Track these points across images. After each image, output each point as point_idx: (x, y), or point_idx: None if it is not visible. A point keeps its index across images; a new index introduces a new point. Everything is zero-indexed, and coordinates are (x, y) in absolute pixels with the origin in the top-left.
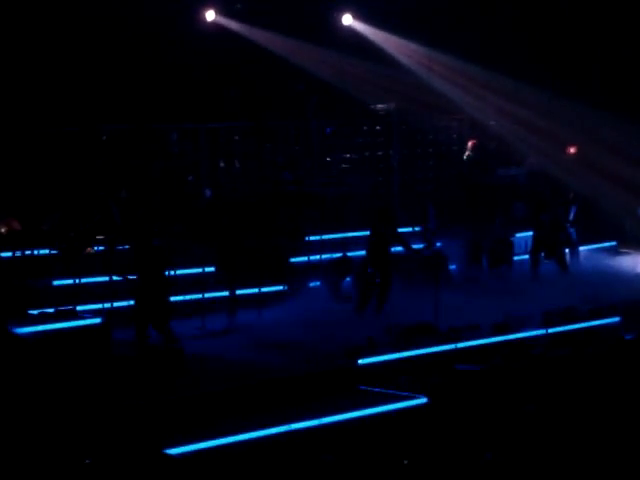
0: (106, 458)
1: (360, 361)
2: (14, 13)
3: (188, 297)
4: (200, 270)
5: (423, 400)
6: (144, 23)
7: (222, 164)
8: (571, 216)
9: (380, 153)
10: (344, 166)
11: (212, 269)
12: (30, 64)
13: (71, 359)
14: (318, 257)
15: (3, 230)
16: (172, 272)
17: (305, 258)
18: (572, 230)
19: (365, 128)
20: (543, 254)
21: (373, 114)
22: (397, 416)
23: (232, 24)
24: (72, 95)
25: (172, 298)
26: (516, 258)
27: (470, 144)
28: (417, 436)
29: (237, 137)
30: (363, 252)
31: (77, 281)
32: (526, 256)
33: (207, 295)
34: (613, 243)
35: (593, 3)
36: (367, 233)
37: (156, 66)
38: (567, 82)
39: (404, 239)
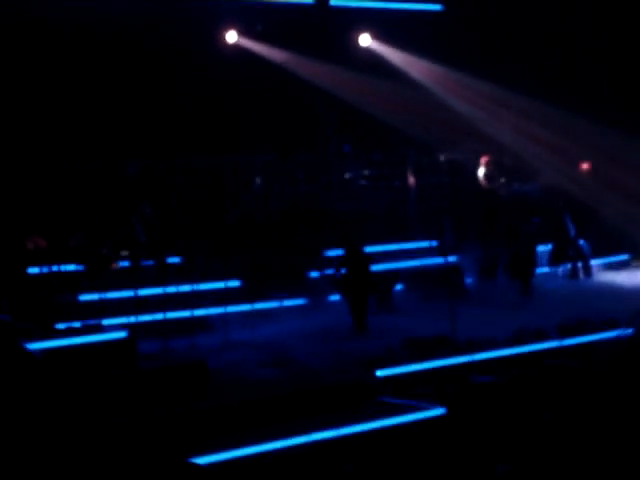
0: (132, 469)
1: (378, 373)
2: (36, 47)
3: (211, 311)
4: (223, 285)
5: (441, 411)
6: (165, 49)
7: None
8: (571, 228)
9: (397, 170)
10: (362, 183)
11: (235, 284)
12: (56, 99)
13: (97, 372)
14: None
15: (30, 247)
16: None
17: (324, 272)
18: (582, 242)
19: (382, 146)
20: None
21: (390, 132)
22: (415, 427)
23: (253, 45)
24: (97, 127)
25: (195, 312)
26: None
27: (483, 160)
28: (435, 446)
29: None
30: (383, 266)
31: (102, 296)
32: (542, 269)
33: (230, 309)
34: (626, 257)
35: (608, 18)
36: (385, 248)
37: (177, 95)
38: (581, 99)
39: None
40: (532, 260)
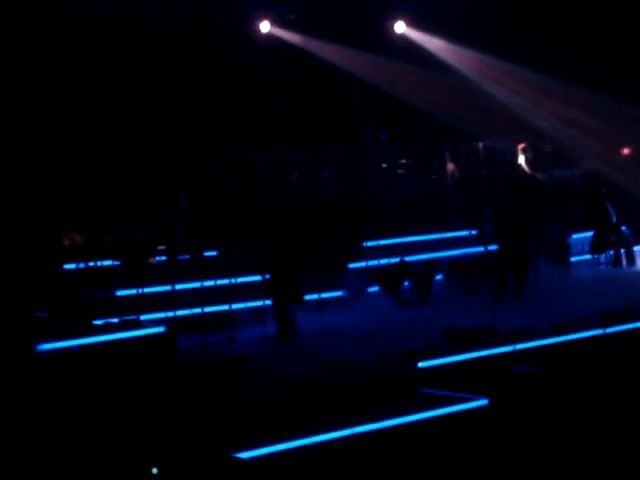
0: (174, 465)
1: (420, 364)
2: (67, 48)
3: (249, 304)
4: (259, 278)
5: (484, 402)
6: (197, 44)
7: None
8: (613, 214)
9: (435, 159)
10: (400, 172)
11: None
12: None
13: (137, 368)
14: (376, 262)
15: (66, 243)
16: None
17: (363, 264)
18: (624, 228)
19: (419, 135)
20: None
21: (427, 121)
22: (459, 418)
23: (286, 34)
24: (133, 125)
25: (234, 306)
26: (573, 259)
27: (521, 147)
28: (480, 437)
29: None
30: (422, 256)
31: (140, 291)
32: (584, 256)
33: (267, 302)
34: None
35: None
36: (424, 238)
37: (210, 90)
38: (621, 84)
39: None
40: (523, 257)
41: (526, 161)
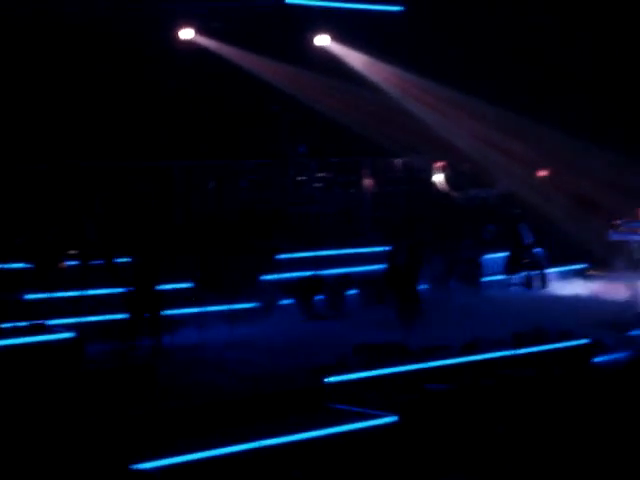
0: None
1: (329, 379)
2: None
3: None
4: (174, 286)
5: (393, 418)
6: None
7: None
8: (527, 236)
9: (352, 173)
10: (317, 185)
11: (187, 285)
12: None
13: (42, 373)
14: (290, 275)
15: None
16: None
17: (277, 276)
18: (538, 251)
19: (338, 149)
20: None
21: (347, 135)
22: (367, 434)
23: (209, 43)
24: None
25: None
26: (486, 279)
27: (438, 165)
28: (387, 454)
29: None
30: (336, 270)
31: (50, 295)
32: (497, 277)
33: (181, 311)
34: (582, 266)
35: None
36: (339, 252)
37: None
38: (543, 107)
39: None
40: (412, 276)
41: (444, 180)
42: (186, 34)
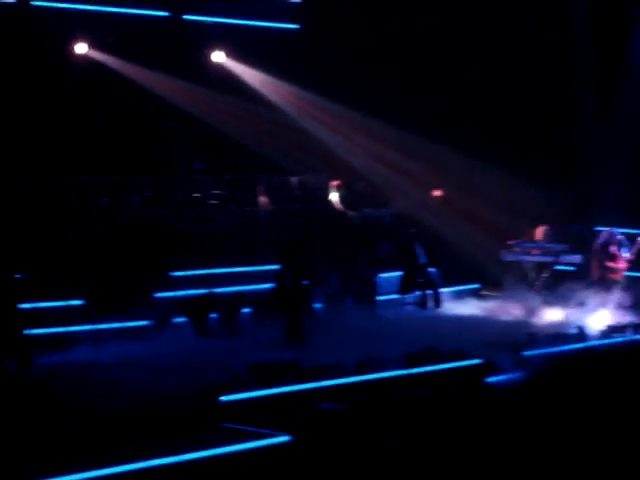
0: None
1: (222, 398)
2: None
3: (52, 330)
4: (64, 303)
5: (286, 438)
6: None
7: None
8: (421, 256)
9: (247, 191)
10: (212, 202)
11: (77, 302)
12: None
13: None
14: (184, 292)
15: None
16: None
17: (170, 294)
18: (432, 270)
19: (233, 165)
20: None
21: (243, 153)
22: (260, 454)
23: (103, 57)
24: None
25: (35, 331)
26: (380, 298)
27: (334, 184)
28: (280, 474)
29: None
30: (230, 288)
31: None
32: (392, 296)
33: (72, 328)
34: (477, 286)
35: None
36: (234, 270)
37: (20, 110)
38: (437, 127)
39: None
40: (300, 295)
41: (339, 198)
42: (80, 48)
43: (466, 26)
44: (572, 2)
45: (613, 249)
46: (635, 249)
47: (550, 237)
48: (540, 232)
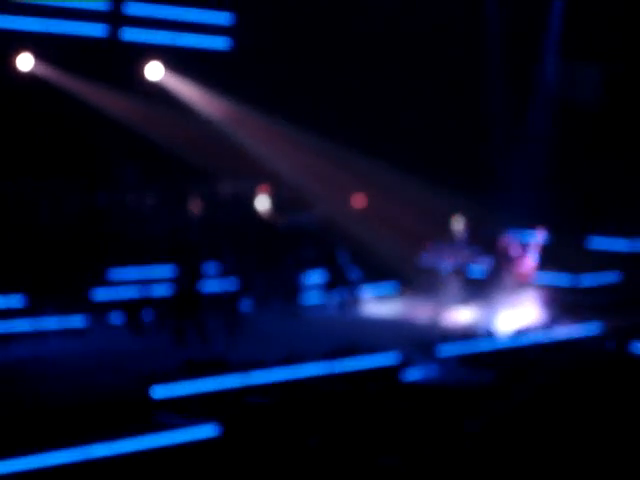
0: None
1: (153, 392)
2: None
3: None
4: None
5: (214, 431)
6: None
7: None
8: (343, 259)
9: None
10: (145, 209)
11: (13, 299)
12: None
13: None
14: (119, 292)
15: None
16: None
17: (106, 292)
18: (353, 273)
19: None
20: None
21: (174, 162)
22: (189, 447)
23: (42, 69)
24: None
25: None
26: (304, 300)
27: (260, 190)
28: (208, 466)
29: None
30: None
31: None
32: (314, 298)
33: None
34: (394, 288)
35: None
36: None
37: None
38: (359, 134)
39: None
40: (195, 298)
41: (265, 204)
42: (22, 63)
43: (391, 34)
44: (483, 15)
45: (516, 252)
46: (533, 251)
47: (464, 240)
48: (455, 235)
